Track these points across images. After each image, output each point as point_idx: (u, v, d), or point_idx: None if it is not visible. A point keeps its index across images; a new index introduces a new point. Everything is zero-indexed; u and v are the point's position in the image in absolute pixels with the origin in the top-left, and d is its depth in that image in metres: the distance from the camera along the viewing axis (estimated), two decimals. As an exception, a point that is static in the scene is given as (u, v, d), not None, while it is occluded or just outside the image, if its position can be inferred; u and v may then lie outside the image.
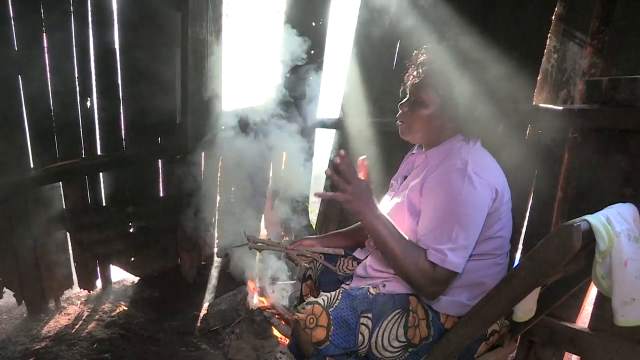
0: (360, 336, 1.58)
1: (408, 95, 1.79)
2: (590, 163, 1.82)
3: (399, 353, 1.62)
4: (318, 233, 3.18)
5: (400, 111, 1.78)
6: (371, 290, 1.70)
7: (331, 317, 1.57)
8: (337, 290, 1.70)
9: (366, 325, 1.60)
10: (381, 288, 1.71)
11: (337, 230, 2.24)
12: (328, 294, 1.67)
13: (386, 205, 1.87)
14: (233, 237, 3.20)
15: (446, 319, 1.67)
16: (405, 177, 1.88)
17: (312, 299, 1.67)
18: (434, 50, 1.81)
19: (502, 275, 1.75)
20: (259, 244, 2.00)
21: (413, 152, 1.96)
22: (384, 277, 1.75)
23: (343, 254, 2.04)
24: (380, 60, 2.85)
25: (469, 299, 1.66)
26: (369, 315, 1.61)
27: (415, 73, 1.77)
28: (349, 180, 1.54)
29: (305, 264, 2.05)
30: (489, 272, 1.71)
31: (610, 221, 1.33)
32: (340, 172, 1.54)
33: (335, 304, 1.62)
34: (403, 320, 1.63)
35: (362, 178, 1.60)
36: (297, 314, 1.61)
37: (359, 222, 2.20)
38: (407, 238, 1.60)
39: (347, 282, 1.93)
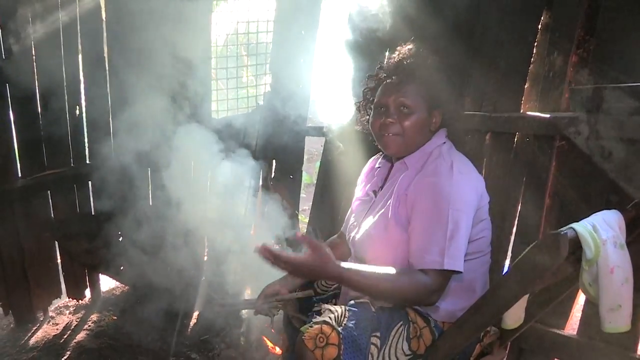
0: (369, 356, 1.54)
1: (385, 107, 1.77)
2: (576, 170, 1.84)
3: None
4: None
5: (388, 123, 1.74)
6: (372, 306, 1.66)
7: (341, 336, 1.51)
8: (342, 307, 1.64)
9: (375, 345, 1.56)
10: (376, 302, 1.68)
11: None
12: (332, 311, 1.60)
13: (366, 221, 1.84)
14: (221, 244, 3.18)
15: (444, 323, 1.68)
16: (381, 188, 1.87)
17: (317, 317, 1.59)
18: (409, 53, 1.84)
19: (487, 274, 1.79)
20: (231, 304, 2.00)
21: (378, 165, 1.95)
22: None
23: (313, 294, 1.97)
24: (369, 68, 2.85)
25: (464, 300, 1.67)
26: (378, 334, 1.58)
27: (393, 81, 1.78)
28: (286, 267, 1.48)
29: (278, 314, 1.98)
30: (478, 273, 1.74)
31: (596, 229, 1.34)
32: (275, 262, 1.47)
33: (344, 322, 1.56)
34: (405, 333, 1.61)
35: (307, 253, 1.47)
36: (307, 333, 1.51)
37: (328, 240, 2.19)
38: (381, 272, 1.53)
39: (323, 295, 1.93)
